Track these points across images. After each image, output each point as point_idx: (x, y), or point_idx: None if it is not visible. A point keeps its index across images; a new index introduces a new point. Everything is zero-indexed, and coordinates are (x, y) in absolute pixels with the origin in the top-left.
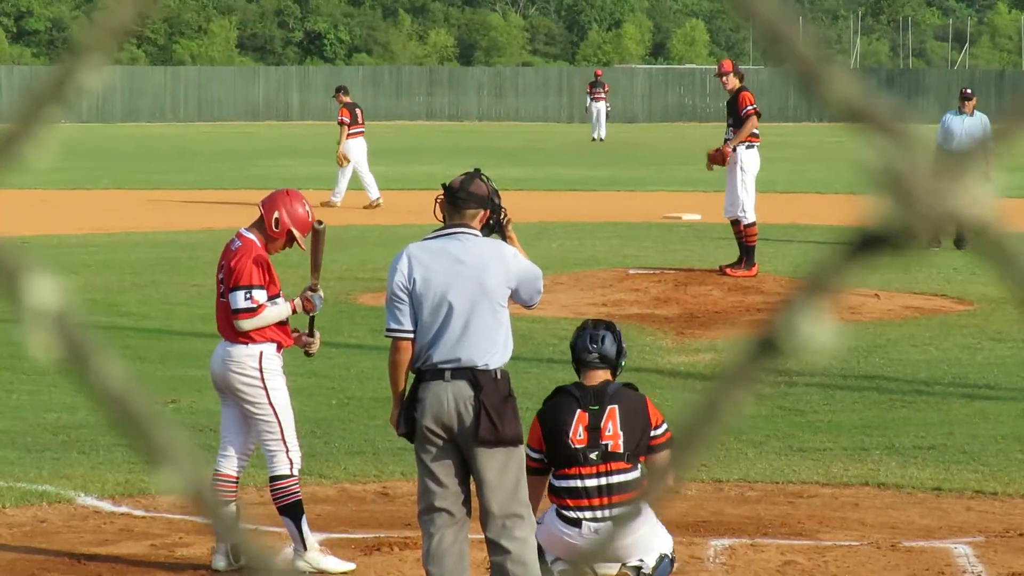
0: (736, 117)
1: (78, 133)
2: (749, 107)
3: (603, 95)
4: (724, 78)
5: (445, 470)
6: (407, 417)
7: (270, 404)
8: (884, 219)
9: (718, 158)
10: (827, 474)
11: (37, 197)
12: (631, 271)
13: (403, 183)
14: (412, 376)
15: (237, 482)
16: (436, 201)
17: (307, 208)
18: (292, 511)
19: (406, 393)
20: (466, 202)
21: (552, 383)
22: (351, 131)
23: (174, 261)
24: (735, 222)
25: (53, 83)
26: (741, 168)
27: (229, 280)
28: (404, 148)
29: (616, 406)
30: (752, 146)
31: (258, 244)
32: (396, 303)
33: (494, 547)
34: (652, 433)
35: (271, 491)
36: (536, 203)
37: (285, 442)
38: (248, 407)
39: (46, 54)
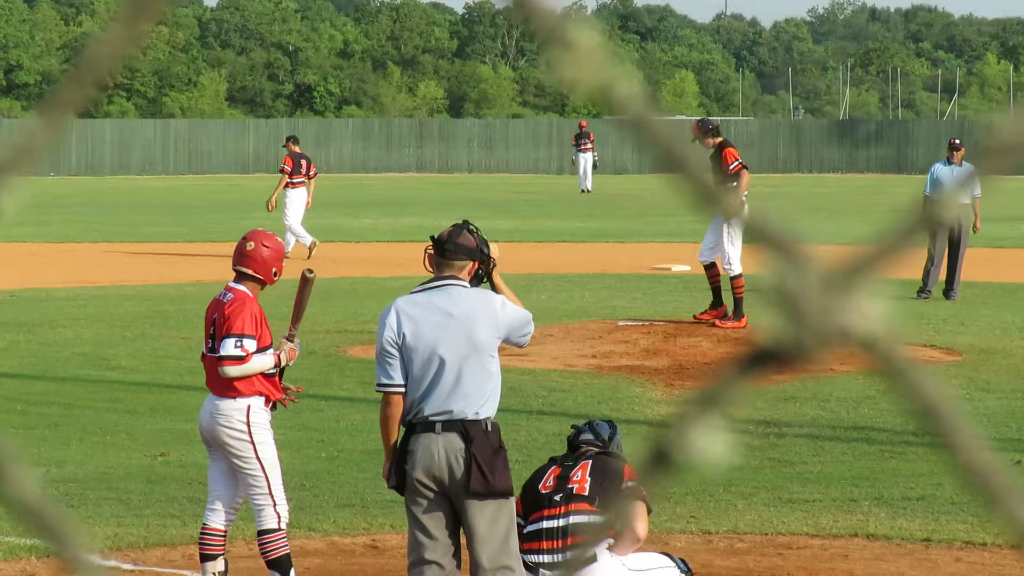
0: (724, 174)
1: (67, 186)
2: (736, 163)
3: (590, 146)
4: (701, 141)
5: (435, 522)
6: (398, 469)
7: (257, 458)
8: (776, 335)
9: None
10: (816, 525)
11: (25, 250)
12: (620, 323)
13: (393, 235)
14: (403, 429)
15: (225, 536)
16: (425, 253)
17: (278, 242)
18: (280, 565)
19: (397, 445)
20: (454, 254)
21: (542, 435)
22: (291, 180)
23: (163, 314)
24: (709, 266)
25: (31, 134)
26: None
27: (221, 329)
28: (394, 200)
29: (591, 461)
30: (742, 200)
31: (251, 296)
32: (386, 358)
33: None
34: (623, 485)
35: (259, 545)
36: (525, 254)
37: (272, 496)
38: (235, 461)
39: (35, 107)
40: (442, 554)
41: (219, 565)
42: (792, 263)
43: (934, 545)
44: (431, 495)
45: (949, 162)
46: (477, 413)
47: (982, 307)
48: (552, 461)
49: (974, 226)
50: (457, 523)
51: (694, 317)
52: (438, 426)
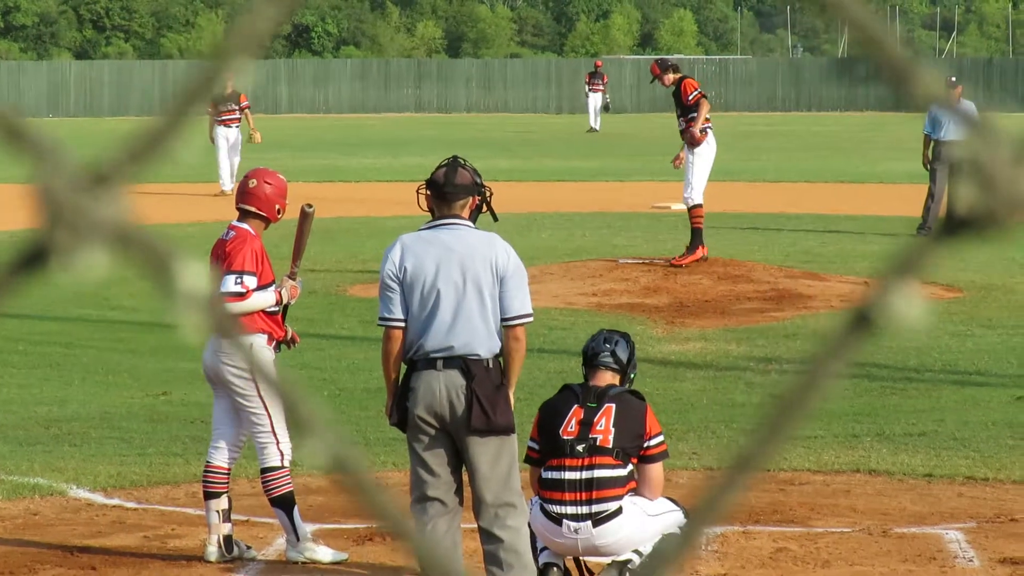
0: (683, 107)
1: (66, 127)
2: (694, 93)
3: (601, 86)
4: (661, 80)
5: (437, 459)
6: (399, 406)
7: (259, 396)
8: (969, 205)
9: (690, 141)
10: (818, 461)
11: (24, 192)
12: (620, 261)
13: (392, 175)
14: (405, 367)
15: (229, 473)
16: (418, 193)
17: (279, 178)
18: (283, 502)
19: (399, 383)
20: (454, 194)
21: (543, 373)
22: (220, 118)
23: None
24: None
25: (201, 80)
26: (694, 152)
27: (222, 267)
28: (393, 140)
29: (613, 405)
30: (704, 129)
31: (252, 233)
32: (387, 292)
33: (487, 536)
34: (646, 443)
35: (262, 483)
36: (525, 194)
37: (275, 434)
38: (239, 399)
39: (33, 49)
40: (444, 491)
41: (223, 503)
42: (984, 137)
43: (936, 480)
44: (433, 432)
45: None
46: (478, 350)
47: (983, 244)
48: (571, 393)
49: None
50: (459, 460)
51: (671, 263)
52: (439, 363)
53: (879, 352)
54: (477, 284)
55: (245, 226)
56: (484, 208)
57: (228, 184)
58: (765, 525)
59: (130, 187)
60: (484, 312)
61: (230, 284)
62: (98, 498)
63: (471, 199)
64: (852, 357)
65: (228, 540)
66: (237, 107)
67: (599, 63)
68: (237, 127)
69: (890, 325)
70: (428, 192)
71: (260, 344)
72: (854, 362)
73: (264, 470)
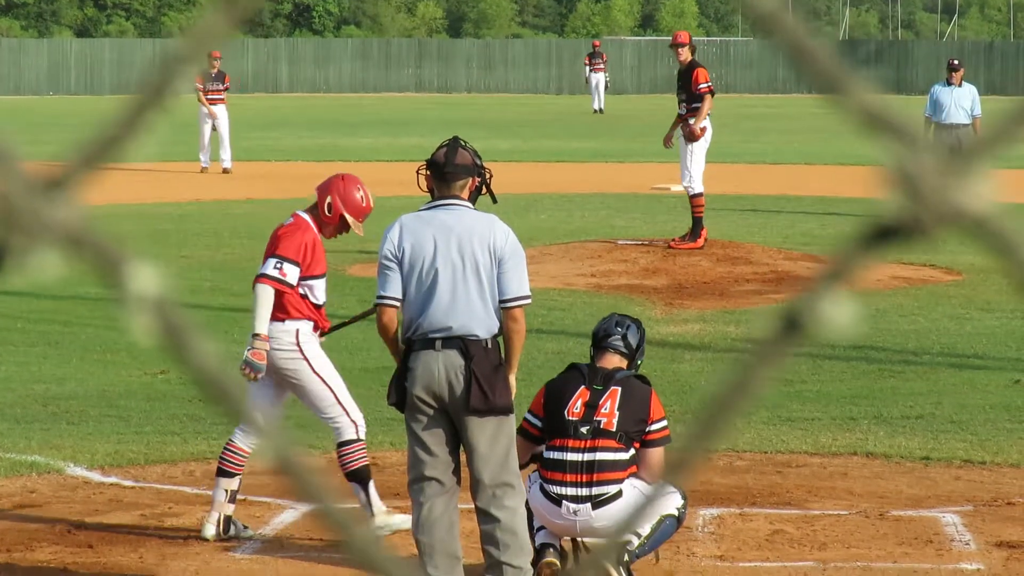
0: (689, 93)
1: (66, 105)
2: (704, 84)
3: (602, 66)
4: (680, 49)
5: (435, 439)
6: (398, 386)
7: (315, 373)
8: (896, 213)
9: (688, 136)
10: (816, 444)
11: None
12: (620, 242)
13: (392, 155)
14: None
15: (247, 458)
16: (419, 173)
17: (363, 193)
18: (359, 476)
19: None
20: (454, 175)
21: (541, 353)
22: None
23: (162, 233)
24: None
25: (155, 82)
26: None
27: (269, 249)
28: (393, 120)
29: (619, 388)
30: (703, 125)
31: (310, 224)
32: (384, 270)
33: (484, 516)
34: (649, 427)
35: (338, 457)
36: (525, 174)
37: (343, 406)
38: (295, 383)
39: (34, 26)
40: (442, 471)
41: (234, 484)
42: (910, 147)
43: (933, 463)
44: (431, 412)
45: (948, 83)
46: (477, 331)
47: (909, 251)
48: (578, 373)
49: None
50: (457, 440)
51: (669, 245)
52: (438, 343)
53: (877, 335)
54: (475, 265)
55: (305, 216)
56: (484, 190)
57: (207, 162)
58: (762, 507)
59: (83, 191)
60: (482, 293)
61: (269, 266)
62: (95, 476)
63: (471, 180)
64: (782, 362)
65: (228, 520)
66: (223, 87)
67: (597, 43)
68: (223, 106)
69: (819, 330)
70: (428, 172)
71: (306, 331)
72: (782, 366)
73: (340, 444)
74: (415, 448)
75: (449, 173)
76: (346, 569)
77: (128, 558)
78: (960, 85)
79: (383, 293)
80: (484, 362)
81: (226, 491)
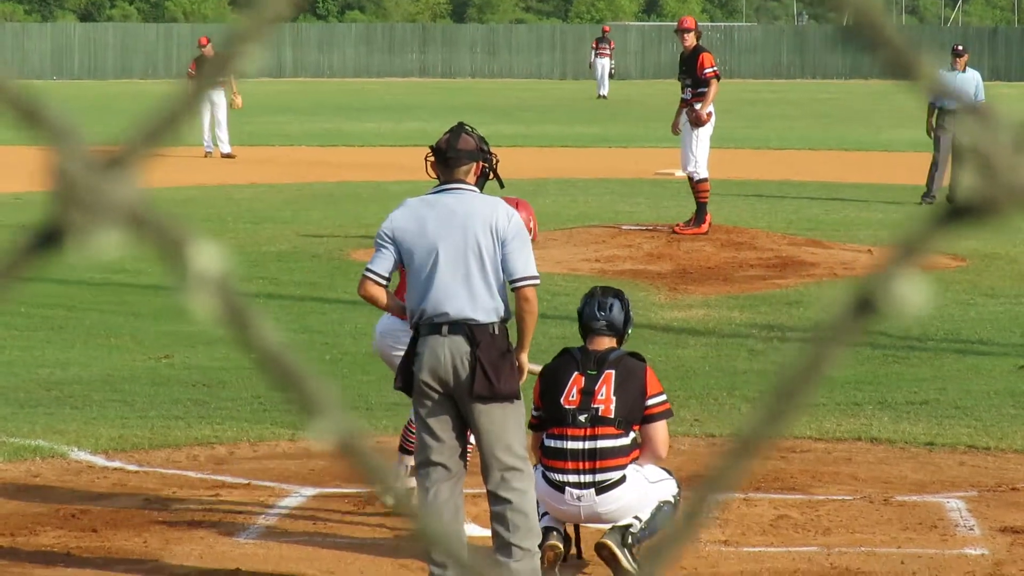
0: (695, 77)
1: (71, 89)
2: (711, 69)
3: (608, 52)
4: (686, 35)
5: (442, 425)
6: (404, 371)
7: None
8: (970, 191)
9: (694, 120)
10: (820, 429)
11: (29, 154)
12: (624, 227)
13: (396, 140)
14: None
15: None
16: (426, 160)
17: (528, 215)
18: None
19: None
20: (457, 160)
21: (546, 338)
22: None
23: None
24: (691, 178)
25: (218, 63)
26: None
27: None
28: (397, 105)
29: (613, 371)
30: (710, 111)
31: None
32: (378, 248)
33: (494, 498)
34: (647, 403)
35: (405, 433)
36: (529, 160)
37: None
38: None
39: (38, 11)
40: (448, 456)
41: (411, 460)
42: (984, 123)
43: (937, 449)
44: (437, 397)
45: (952, 68)
46: (480, 315)
47: (984, 230)
48: (570, 359)
49: None
50: (464, 425)
51: (673, 230)
52: (444, 328)
53: (881, 320)
54: (477, 248)
55: None
56: (491, 175)
57: (211, 146)
58: (766, 492)
59: (143, 170)
60: (485, 276)
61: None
62: (99, 461)
63: (475, 165)
64: (853, 342)
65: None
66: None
67: (607, 28)
68: (221, 89)
69: (892, 310)
70: (434, 159)
71: None
72: (853, 347)
73: (410, 422)
74: (422, 433)
75: (451, 158)
76: (349, 553)
77: (132, 542)
78: (964, 71)
79: (369, 267)
80: (491, 348)
81: (406, 466)
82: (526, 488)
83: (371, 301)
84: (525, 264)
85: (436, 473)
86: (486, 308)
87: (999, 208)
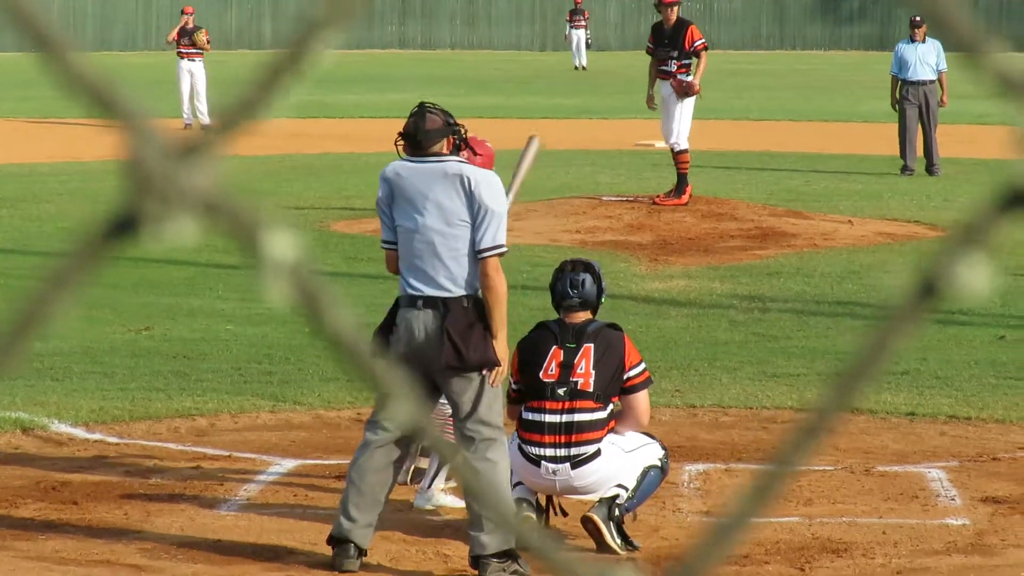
0: (682, 50)
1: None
2: (700, 41)
3: (583, 23)
4: (671, 9)
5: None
6: (380, 341)
7: None
8: None
9: (686, 91)
10: (801, 399)
11: (7, 126)
12: (604, 198)
13: (376, 111)
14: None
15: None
16: (396, 145)
17: (488, 145)
18: None
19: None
20: (428, 140)
21: (526, 310)
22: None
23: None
24: (672, 149)
25: (289, 55)
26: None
27: None
28: (377, 76)
29: (592, 344)
30: (690, 75)
31: None
32: (381, 216)
33: None
34: (626, 374)
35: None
36: (509, 131)
37: None
38: None
39: None
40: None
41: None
42: None
43: (918, 419)
44: (411, 368)
45: (912, 40)
46: (453, 287)
47: (966, 183)
48: (548, 332)
49: (941, 100)
50: (435, 398)
51: (654, 201)
52: (419, 302)
53: (862, 291)
54: (448, 217)
55: None
56: (463, 147)
57: (190, 118)
58: (747, 463)
59: (220, 156)
60: (457, 248)
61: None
62: (80, 433)
63: (446, 140)
64: (918, 325)
65: (415, 472)
66: (205, 41)
67: (579, 0)
68: (201, 60)
69: (955, 293)
70: (404, 143)
71: None
72: (918, 330)
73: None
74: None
75: (422, 140)
76: (331, 524)
77: (113, 515)
78: (924, 41)
79: (384, 237)
80: (460, 319)
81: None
82: (497, 459)
83: (394, 268)
84: (492, 235)
85: (380, 436)
86: (459, 280)
87: None
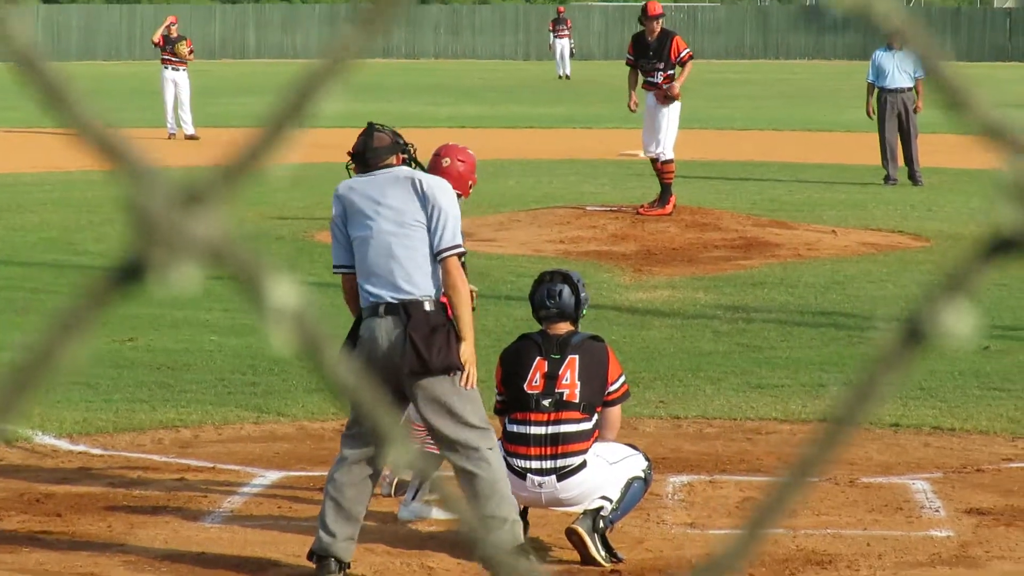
0: (668, 61)
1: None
2: (686, 51)
3: (566, 32)
4: (655, 22)
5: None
6: (347, 352)
7: None
8: (1015, 226)
9: (667, 95)
10: (785, 410)
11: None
12: (588, 208)
13: (360, 120)
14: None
15: None
16: (348, 168)
17: (469, 152)
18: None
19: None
20: (376, 158)
21: (510, 320)
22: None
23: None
24: (655, 160)
25: (294, 99)
26: (665, 106)
27: None
28: (361, 86)
29: (577, 356)
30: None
31: None
32: (334, 238)
33: (460, 473)
34: (608, 388)
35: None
36: (493, 140)
37: None
38: None
39: None
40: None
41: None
42: None
43: (902, 430)
44: (377, 380)
45: (889, 47)
46: (417, 292)
47: (949, 193)
48: (531, 343)
49: (916, 106)
50: (403, 407)
51: (638, 211)
52: (380, 308)
53: (847, 301)
54: (403, 221)
55: None
56: (412, 165)
57: (174, 128)
58: (731, 474)
59: (224, 205)
60: (414, 252)
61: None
62: (64, 445)
63: (395, 157)
64: (905, 371)
65: (399, 484)
66: (187, 52)
67: (561, 8)
68: (185, 70)
69: (940, 339)
70: (354, 165)
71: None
72: (905, 374)
73: None
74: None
75: (370, 158)
76: (313, 537)
77: (97, 527)
78: (901, 49)
79: (335, 262)
80: (422, 323)
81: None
82: (491, 458)
83: (350, 302)
84: (450, 234)
85: (358, 452)
86: (417, 283)
87: None
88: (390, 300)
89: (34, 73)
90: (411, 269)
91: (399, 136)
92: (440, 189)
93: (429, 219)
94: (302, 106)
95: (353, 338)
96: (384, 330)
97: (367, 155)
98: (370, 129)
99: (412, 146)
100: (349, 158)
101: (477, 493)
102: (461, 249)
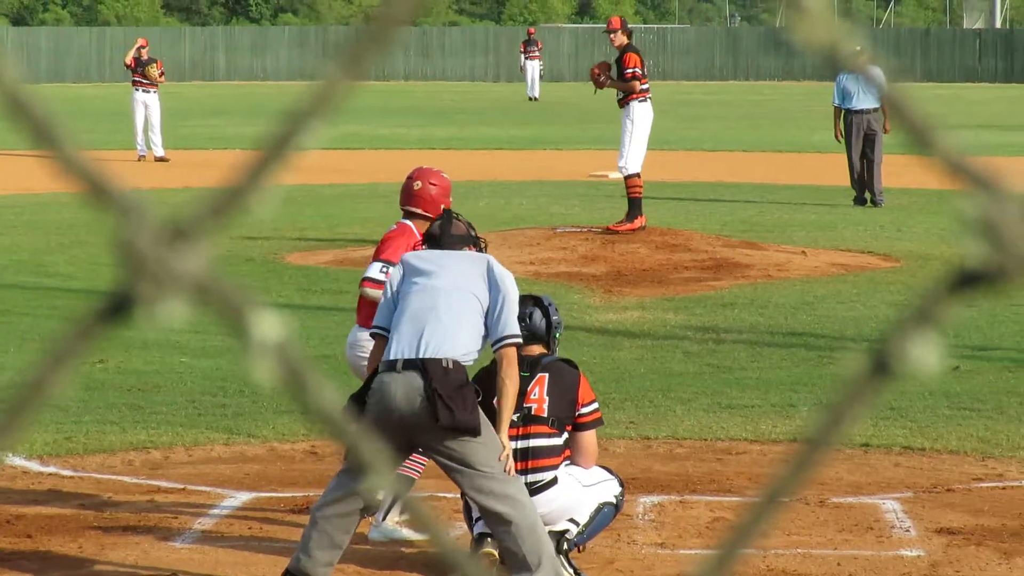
0: (620, 74)
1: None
2: (630, 71)
3: (537, 54)
4: (612, 35)
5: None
6: (356, 403)
7: None
8: (980, 260)
9: (597, 80)
10: (756, 431)
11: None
12: (558, 229)
13: (330, 143)
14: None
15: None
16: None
17: (443, 176)
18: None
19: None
20: (450, 244)
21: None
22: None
23: (101, 221)
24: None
25: (278, 138)
26: (631, 120)
27: (375, 254)
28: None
29: (547, 375)
30: (645, 100)
31: (413, 229)
32: (384, 298)
33: (492, 519)
34: (580, 411)
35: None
36: (463, 162)
37: None
38: None
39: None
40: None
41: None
42: (993, 197)
43: (873, 450)
44: (387, 431)
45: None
46: (438, 351)
47: (919, 214)
48: None
49: (884, 127)
50: (404, 458)
51: (607, 228)
52: (398, 364)
53: (816, 321)
54: (458, 280)
55: (409, 223)
56: None
57: (144, 149)
58: (702, 495)
59: (209, 241)
60: (457, 308)
61: (375, 270)
62: (34, 466)
63: (468, 248)
64: (871, 402)
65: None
66: (157, 74)
67: (532, 30)
68: (155, 92)
69: (907, 370)
70: (426, 246)
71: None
72: (871, 406)
73: None
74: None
75: (445, 243)
76: (285, 557)
77: (67, 548)
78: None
79: (375, 323)
80: (444, 380)
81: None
82: (522, 501)
83: (375, 360)
84: (514, 324)
85: (351, 489)
86: (446, 345)
87: (1009, 276)
88: (410, 356)
89: (23, 112)
90: (451, 328)
91: (473, 228)
92: (510, 279)
93: (492, 302)
94: (285, 145)
95: (363, 392)
96: (400, 384)
97: (442, 239)
98: (448, 216)
99: (484, 241)
100: (422, 240)
101: (514, 539)
102: (520, 340)
